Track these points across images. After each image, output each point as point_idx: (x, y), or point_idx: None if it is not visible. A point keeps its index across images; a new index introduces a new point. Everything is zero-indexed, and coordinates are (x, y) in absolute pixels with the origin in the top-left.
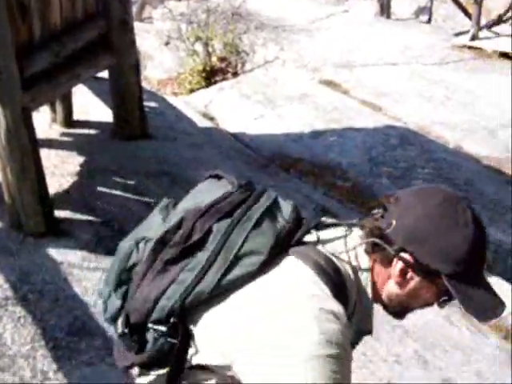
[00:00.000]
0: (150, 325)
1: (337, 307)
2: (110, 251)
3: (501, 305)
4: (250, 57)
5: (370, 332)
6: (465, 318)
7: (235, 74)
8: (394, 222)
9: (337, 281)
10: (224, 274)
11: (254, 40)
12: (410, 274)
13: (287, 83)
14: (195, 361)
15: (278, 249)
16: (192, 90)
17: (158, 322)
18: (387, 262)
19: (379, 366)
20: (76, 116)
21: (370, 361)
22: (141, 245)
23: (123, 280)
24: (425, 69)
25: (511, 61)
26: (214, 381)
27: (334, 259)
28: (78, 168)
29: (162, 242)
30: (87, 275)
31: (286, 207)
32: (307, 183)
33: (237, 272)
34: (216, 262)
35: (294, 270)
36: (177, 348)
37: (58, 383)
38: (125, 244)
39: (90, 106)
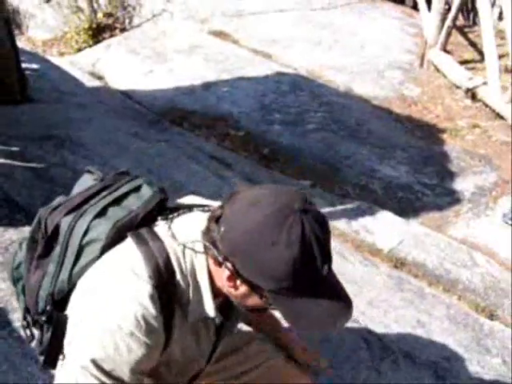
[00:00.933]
0: (39, 315)
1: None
2: None
3: (344, 310)
4: (137, 11)
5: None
6: (357, 252)
7: (123, 30)
8: (222, 230)
9: (160, 259)
10: (73, 266)
11: None
12: (237, 282)
13: (176, 36)
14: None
15: (120, 234)
16: (79, 50)
17: (43, 313)
18: (218, 264)
19: None
20: None
21: None
22: (23, 245)
23: (16, 278)
24: (313, 14)
25: (395, 3)
26: None
27: (164, 238)
28: None
29: (32, 241)
30: None
31: (146, 193)
32: (200, 135)
33: (82, 262)
34: (67, 255)
35: (122, 252)
36: (50, 334)
37: None
38: (13, 247)
39: None
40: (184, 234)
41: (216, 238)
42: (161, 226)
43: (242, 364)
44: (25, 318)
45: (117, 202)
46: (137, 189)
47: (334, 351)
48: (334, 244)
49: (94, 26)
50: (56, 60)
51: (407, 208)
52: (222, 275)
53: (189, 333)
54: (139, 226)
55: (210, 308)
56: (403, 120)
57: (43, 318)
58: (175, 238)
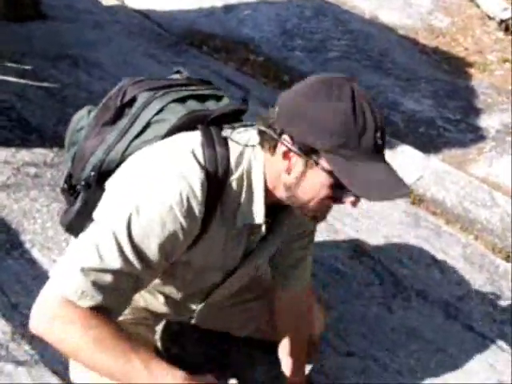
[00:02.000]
0: (80, 182)
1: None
2: (9, 142)
3: (398, 186)
4: None
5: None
6: None
7: None
8: (276, 109)
9: (221, 163)
10: (136, 137)
11: None
12: (293, 158)
13: None
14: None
15: (192, 123)
16: None
17: (86, 178)
18: (274, 150)
19: None
20: None
21: None
22: (92, 112)
23: (73, 141)
24: None
25: None
26: None
27: (230, 145)
28: None
29: (103, 108)
30: None
31: (226, 101)
32: (219, 59)
33: (145, 136)
34: (133, 126)
35: (188, 138)
36: (84, 199)
37: None
38: (80, 110)
39: None
40: (246, 139)
41: (272, 121)
42: (229, 132)
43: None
44: (66, 182)
45: (197, 98)
46: (219, 98)
47: (346, 285)
48: None
49: None
50: None
51: (428, 143)
52: (277, 166)
53: (225, 238)
54: (211, 124)
55: (259, 214)
56: (430, 52)
57: (82, 183)
58: (239, 143)
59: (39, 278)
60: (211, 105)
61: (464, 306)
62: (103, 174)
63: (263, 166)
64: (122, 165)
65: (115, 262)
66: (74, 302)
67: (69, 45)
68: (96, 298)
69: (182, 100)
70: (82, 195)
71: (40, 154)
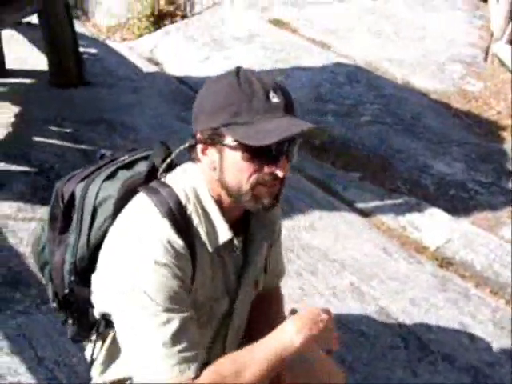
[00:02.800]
0: (67, 292)
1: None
2: (46, 201)
3: (296, 124)
4: None
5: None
6: (403, 248)
7: (184, 17)
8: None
9: (171, 201)
10: (90, 227)
11: None
12: (209, 152)
13: (235, 24)
14: (97, 315)
15: (131, 190)
16: (141, 36)
17: (69, 287)
18: (197, 155)
19: (315, 299)
20: (11, 65)
21: (305, 295)
22: (45, 226)
23: (42, 262)
24: (374, 4)
25: None
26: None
27: (172, 184)
28: (13, 119)
29: (53, 219)
30: (22, 226)
31: (153, 157)
32: None
33: (98, 221)
34: (83, 219)
35: (137, 204)
36: (75, 304)
37: None
38: (33, 231)
39: (25, 54)
40: (181, 171)
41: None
42: (167, 176)
43: None
44: (53, 301)
45: (126, 166)
46: (146, 157)
47: (370, 348)
48: (379, 239)
49: (156, 12)
50: (115, 45)
51: (459, 206)
52: (207, 170)
53: (211, 267)
54: (148, 182)
55: (223, 230)
56: (462, 115)
57: (66, 291)
58: (179, 180)
59: (66, 332)
60: (140, 167)
61: (494, 373)
62: (81, 274)
63: (204, 182)
64: (99, 259)
65: (172, 322)
66: (188, 379)
67: (106, 109)
68: (195, 361)
69: (112, 175)
70: (72, 301)
71: None
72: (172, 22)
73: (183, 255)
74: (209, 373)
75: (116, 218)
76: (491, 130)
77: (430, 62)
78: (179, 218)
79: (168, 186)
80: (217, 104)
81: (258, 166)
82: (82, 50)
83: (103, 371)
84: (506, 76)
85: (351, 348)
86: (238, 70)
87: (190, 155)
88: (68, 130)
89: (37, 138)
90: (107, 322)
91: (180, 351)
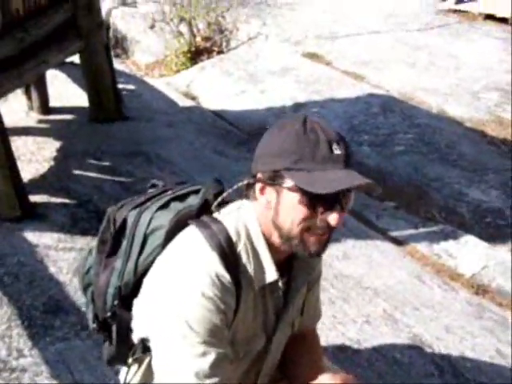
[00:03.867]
0: (107, 316)
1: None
2: (85, 232)
3: (354, 178)
4: (234, 34)
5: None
6: (437, 276)
7: (220, 53)
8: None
9: (221, 236)
10: (139, 255)
11: (237, 17)
12: (267, 191)
13: (270, 58)
14: (135, 340)
15: (182, 222)
16: (178, 72)
17: (110, 310)
18: (255, 194)
19: (348, 327)
20: (54, 103)
21: (339, 322)
22: (92, 251)
23: (86, 283)
24: (408, 35)
25: (497, 22)
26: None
27: (223, 221)
28: (55, 153)
29: (102, 242)
30: (62, 256)
31: (206, 192)
32: None
33: (147, 250)
34: (133, 246)
35: (187, 236)
36: (116, 328)
37: (32, 360)
38: (81, 254)
39: (67, 92)
40: (235, 209)
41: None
42: (219, 212)
43: None
44: (93, 322)
45: (178, 198)
46: (197, 191)
47: (403, 376)
48: (413, 267)
49: (193, 49)
50: (153, 81)
51: (495, 233)
52: (262, 209)
53: (253, 304)
54: (199, 216)
55: (271, 270)
56: (498, 143)
57: (109, 314)
58: (231, 216)
59: (102, 358)
60: (192, 200)
61: None
62: (124, 298)
63: (257, 221)
64: (144, 285)
65: (207, 356)
66: None
67: (144, 142)
68: None
69: (165, 206)
70: (114, 326)
71: None
72: (208, 58)
73: (229, 290)
74: None
75: (165, 248)
76: None
77: (465, 91)
78: (228, 254)
79: (219, 222)
80: (281, 148)
81: (313, 212)
82: (120, 86)
83: None
84: None
85: (385, 376)
86: (305, 118)
87: (245, 193)
88: (106, 163)
89: (76, 172)
90: (145, 347)
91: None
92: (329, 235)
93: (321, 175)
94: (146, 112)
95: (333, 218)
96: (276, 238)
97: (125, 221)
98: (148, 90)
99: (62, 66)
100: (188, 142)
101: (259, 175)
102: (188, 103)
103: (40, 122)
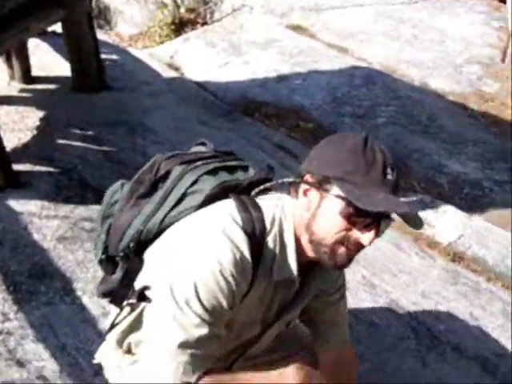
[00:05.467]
0: (119, 253)
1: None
2: (69, 199)
3: (402, 205)
4: (219, 6)
5: (294, 281)
6: (415, 244)
7: (205, 25)
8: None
9: (257, 224)
10: (171, 209)
11: None
12: (311, 193)
13: (254, 30)
14: (136, 286)
15: (224, 192)
16: (162, 43)
17: (124, 249)
18: (297, 193)
19: None
20: (36, 72)
21: None
22: (125, 186)
23: (107, 214)
24: (392, 8)
25: None
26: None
27: (262, 208)
28: (38, 123)
29: (137, 182)
30: (46, 223)
31: (252, 172)
32: (270, 126)
33: (181, 207)
34: (169, 198)
35: (226, 209)
36: (124, 270)
37: (18, 323)
38: (113, 185)
39: (50, 61)
40: (275, 201)
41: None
42: (259, 197)
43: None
44: (103, 253)
45: (227, 169)
46: (244, 168)
47: (380, 338)
48: (393, 235)
49: (177, 20)
50: (136, 52)
51: (473, 204)
52: (300, 209)
53: (262, 295)
54: (241, 193)
55: (293, 267)
56: (478, 116)
57: (121, 254)
58: (270, 205)
59: (88, 321)
60: (240, 175)
61: (503, 363)
62: (141, 244)
63: (292, 218)
64: (163, 235)
65: (200, 330)
66: (186, 382)
67: (127, 112)
68: (199, 368)
69: (213, 172)
70: (122, 265)
71: (96, 210)
72: (192, 30)
73: (246, 275)
74: (207, 381)
75: (198, 211)
76: (507, 129)
77: (448, 64)
78: (257, 240)
79: (258, 207)
80: (338, 157)
81: (350, 225)
82: (103, 56)
83: (120, 340)
84: None
85: (362, 339)
86: (367, 136)
87: (288, 188)
88: (90, 133)
89: (60, 141)
90: (142, 295)
91: (193, 355)
92: (356, 252)
93: (369, 193)
94: (130, 82)
95: (367, 237)
96: (305, 241)
97: (168, 172)
98: (131, 60)
99: (44, 36)
100: (171, 112)
101: (308, 176)
102: (172, 74)
103: (22, 91)
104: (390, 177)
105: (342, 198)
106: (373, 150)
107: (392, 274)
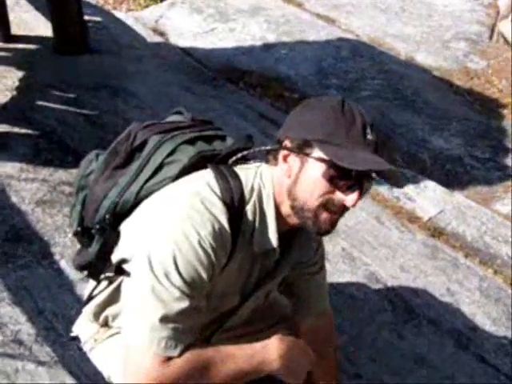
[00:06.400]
0: (95, 225)
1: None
2: (48, 162)
3: (383, 163)
4: None
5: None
6: (396, 218)
7: None
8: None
9: (235, 193)
10: (148, 180)
11: None
12: (291, 159)
13: None
14: (113, 259)
15: (202, 162)
16: (147, 7)
17: (100, 221)
18: (276, 159)
19: None
20: (16, 31)
21: None
22: (100, 156)
23: (82, 185)
24: None
25: None
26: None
27: (241, 177)
28: (17, 83)
29: (113, 153)
30: (25, 186)
31: (230, 141)
32: (254, 95)
33: (158, 178)
34: (145, 168)
35: (203, 179)
36: (101, 243)
37: None
38: (88, 155)
39: (31, 20)
40: (254, 170)
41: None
42: (237, 166)
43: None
44: (78, 226)
45: (204, 138)
46: (222, 138)
47: (357, 311)
48: (374, 209)
49: None
50: (121, 15)
51: (454, 180)
52: (280, 176)
53: (241, 265)
54: (219, 163)
55: (273, 237)
56: (463, 92)
57: (97, 227)
58: (248, 174)
59: (65, 286)
60: (218, 145)
61: (477, 337)
62: (117, 216)
63: (271, 186)
64: (140, 207)
65: (180, 303)
66: (169, 356)
67: (109, 76)
68: (181, 342)
69: (190, 141)
70: (98, 238)
71: (76, 174)
72: None
73: (225, 246)
74: (190, 355)
75: (176, 181)
76: (492, 107)
77: (435, 39)
78: (236, 210)
79: (237, 177)
80: (316, 120)
81: (333, 188)
82: (86, 18)
83: (96, 313)
84: (510, 55)
85: (340, 311)
86: (344, 99)
87: (266, 156)
88: (70, 96)
89: (40, 103)
90: (119, 269)
91: (174, 329)
92: (340, 216)
93: (351, 153)
94: (113, 46)
95: (351, 198)
96: (286, 208)
97: (145, 142)
98: (115, 23)
99: None
100: (155, 77)
101: (286, 142)
102: (156, 39)
103: (1, 50)
104: (369, 136)
105: (324, 161)
106: (351, 111)
107: (372, 247)
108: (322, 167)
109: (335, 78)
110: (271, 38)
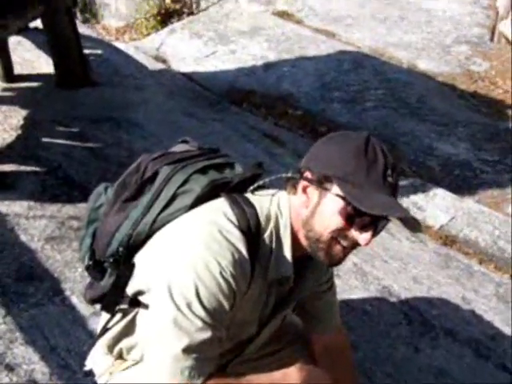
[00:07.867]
0: (107, 258)
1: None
2: (55, 198)
3: (401, 208)
4: None
5: (289, 278)
6: (405, 229)
7: (191, 14)
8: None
9: (251, 220)
10: (161, 211)
11: None
12: (310, 191)
13: (240, 18)
14: (128, 291)
15: (214, 191)
16: (149, 35)
17: (113, 255)
18: (295, 189)
19: None
20: (19, 70)
21: None
22: (109, 189)
23: (92, 219)
24: None
25: None
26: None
27: (256, 205)
28: (22, 121)
29: (123, 185)
30: (33, 223)
31: (239, 169)
32: (258, 115)
33: (171, 209)
34: (158, 200)
35: (218, 208)
36: (115, 276)
37: (6, 327)
38: (97, 188)
39: (33, 59)
40: (269, 197)
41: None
42: (251, 195)
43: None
44: (90, 259)
45: (215, 167)
46: (231, 165)
47: (372, 326)
48: None
49: (163, 11)
50: (121, 45)
51: (463, 185)
52: (298, 206)
53: (259, 292)
54: (232, 191)
55: (288, 265)
56: (468, 96)
57: (111, 260)
58: (265, 201)
59: (77, 322)
60: (228, 173)
61: (496, 345)
62: (131, 248)
63: (289, 214)
64: (154, 238)
65: (203, 333)
66: None
67: (112, 108)
68: (204, 372)
69: (202, 171)
70: (111, 271)
71: (83, 208)
72: (179, 20)
73: (245, 274)
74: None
75: (190, 211)
76: (498, 109)
77: (436, 45)
78: (253, 238)
79: (251, 205)
80: (338, 157)
81: (348, 225)
82: (87, 51)
83: (111, 346)
84: None
85: (354, 327)
86: (369, 137)
87: (285, 185)
88: (75, 130)
89: (45, 139)
90: (134, 301)
91: (197, 359)
92: (351, 250)
93: (369, 195)
94: (115, 77)
95: (364, 237)
96: (302, 237)
97: (156, 173)
98: (116, 54)
99: (27, 33)
100: (157, 105)
101: (307, 173)
102: (158, 66)
103: (5, 90)
104: (390, 179)
105: (342, 198)
106: (374, 151)
107: (383, 260)
108: (339, 204)
109: (338, 91)
110: (272, 57)
